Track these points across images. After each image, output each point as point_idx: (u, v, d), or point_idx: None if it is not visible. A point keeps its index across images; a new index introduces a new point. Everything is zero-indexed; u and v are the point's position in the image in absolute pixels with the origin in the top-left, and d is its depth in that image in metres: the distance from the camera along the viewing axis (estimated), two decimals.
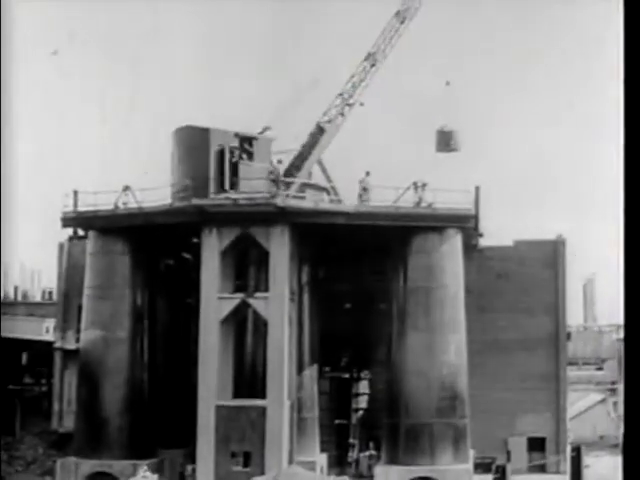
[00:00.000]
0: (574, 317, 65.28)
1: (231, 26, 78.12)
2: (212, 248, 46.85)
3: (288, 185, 48.23)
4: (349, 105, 49.55)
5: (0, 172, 43.29)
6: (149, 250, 50.78)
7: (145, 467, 44.10)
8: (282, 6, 64.18)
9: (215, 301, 46.68)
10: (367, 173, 48.32)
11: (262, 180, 47.40)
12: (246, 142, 48.21)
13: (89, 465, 48.22)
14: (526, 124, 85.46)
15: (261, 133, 49.17)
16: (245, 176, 47.30)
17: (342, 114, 49.60)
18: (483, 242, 52.31)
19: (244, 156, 47.69)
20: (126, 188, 48.98)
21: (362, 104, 49.68)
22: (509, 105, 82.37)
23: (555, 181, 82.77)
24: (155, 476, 42.07)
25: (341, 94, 49.70)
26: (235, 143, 47.75)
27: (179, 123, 48.74)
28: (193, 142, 47.67)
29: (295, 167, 49.54)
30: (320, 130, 49.85)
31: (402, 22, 49.37)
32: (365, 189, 47.75)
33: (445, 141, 50.85)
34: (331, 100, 49.83)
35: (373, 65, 49.25)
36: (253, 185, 47.05)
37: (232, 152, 47.14)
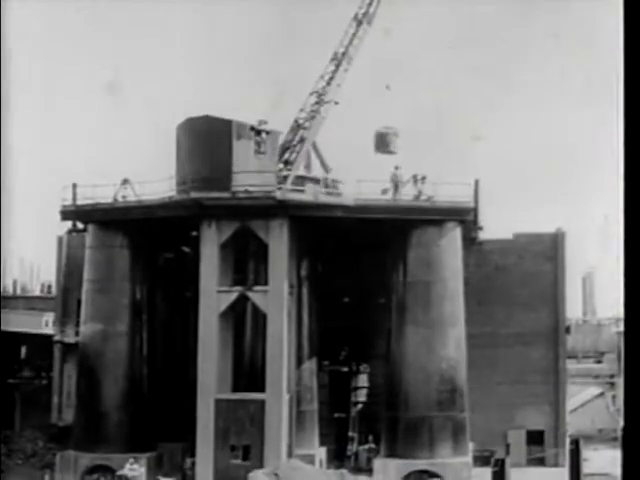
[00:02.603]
0: (573, 310, 65.29)
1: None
2: (211, 241, 46.83)
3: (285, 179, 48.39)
4: (324, 103, 50.12)
5: None
6: (148, 243, 50.74)
7: (132, 460, 44.19)
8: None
9: (214, 294, 46.68)
10: (396, 167, 48.35)
11: (272, 174, 47.47)
12: (259, 135, 48.20)
13: (88, 458, 48.26)
14: (525, 117, 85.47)
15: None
16: (258, 169, 47.23)
17: (318, 112, 50.13)
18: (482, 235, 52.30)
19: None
20: (125, 181, 48.94)
21: (337, 103, 50.33)
22: (508, 96, 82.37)
23: (555, 173, 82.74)
24: (142, 469, 42.21)
25: (315, 92, 50.33)
26: (251, 136, 47.72)
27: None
28: (212, 133, 47.27)
29: (284, 162, 49.62)
30: (298, 126, 50.25)
31: (359, 25, 50.26)
32: (397, 184, 47.73)
33: (382, 143, 51.35)
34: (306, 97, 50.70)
35: (338, 65, 50.04)
36: (264, 178, 46.99)
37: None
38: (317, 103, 50.14)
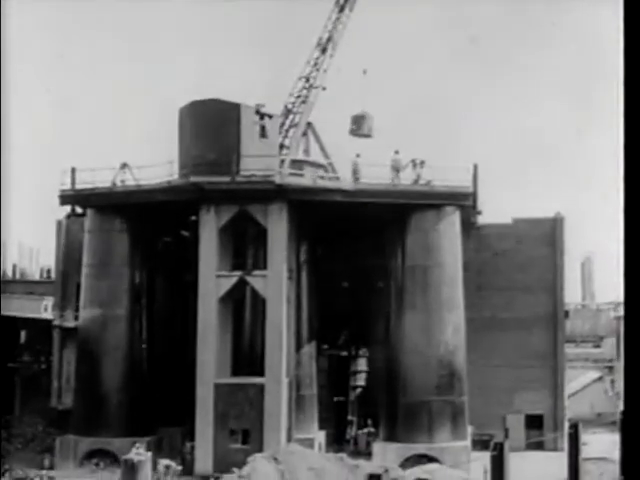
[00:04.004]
0: (572, 295, 65.34)
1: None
2: (210, 226, 46.79)
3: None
4: (312, 88, 50.30)
5: None
6: (147, 228, 50.69)
7: (138, 444, 44.13)
8: None
9: (213, 279, 46.67)
10: (396, 152, 48.21)
11: (275, 158, 47.41)
12: (263, 119, 48.13)
13: (88, 442, 48.36)
14: (525, 105, 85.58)
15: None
16: (263, 153, 47.15)
17: (307, 96, 50.30)
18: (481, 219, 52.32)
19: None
20: (124, 165, 48.85)
21: (324, 88, 50.57)
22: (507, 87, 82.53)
23: (555, 159, 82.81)
24: (149, 453, 42.08)
25: (304, 77, 50.60)
26: (256, 120, 47.67)
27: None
28: (219, 116, 47.00)
29: (279, 146, 49.68)
30: (288, 111, 50.28)
31: (341, 11, 50.80)
32: (397, 169, 47.65)
33: (357, 126, 51.65)
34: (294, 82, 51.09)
35: (324, 52, 50.46)
36: (268, 163, 46.91)
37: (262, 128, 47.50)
38: (305, 88, 50.38)
